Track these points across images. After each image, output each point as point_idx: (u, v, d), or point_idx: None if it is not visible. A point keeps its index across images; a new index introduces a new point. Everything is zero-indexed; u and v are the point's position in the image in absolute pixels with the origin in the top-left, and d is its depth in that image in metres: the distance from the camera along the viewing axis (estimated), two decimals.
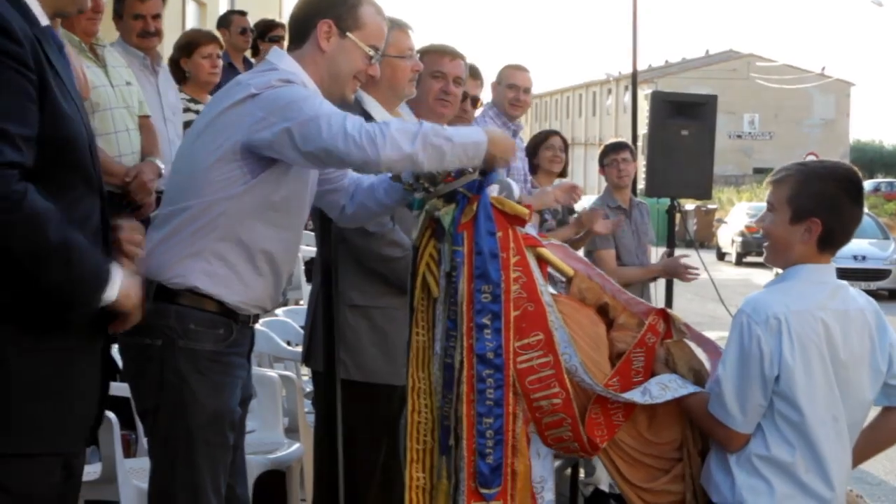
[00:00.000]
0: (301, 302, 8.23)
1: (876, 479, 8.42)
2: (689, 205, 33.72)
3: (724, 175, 47.37)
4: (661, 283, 8.11)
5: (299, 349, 6.53)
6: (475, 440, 3.57)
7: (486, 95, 7.10)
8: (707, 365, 4.00)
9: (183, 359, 3.74)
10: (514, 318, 3.60)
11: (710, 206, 38.16)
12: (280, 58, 3.95)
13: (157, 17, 6.60)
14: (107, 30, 6.50)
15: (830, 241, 3.76)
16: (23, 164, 2.83)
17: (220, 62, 7.36)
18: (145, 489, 4.35)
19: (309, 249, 5.65)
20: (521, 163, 7.29)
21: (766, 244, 3.89)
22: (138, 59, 6.46)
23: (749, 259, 31.51)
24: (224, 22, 8.88)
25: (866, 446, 3.92)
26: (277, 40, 8.83)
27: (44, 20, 3.00)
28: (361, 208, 4.21)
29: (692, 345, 4.04)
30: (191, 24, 13.07)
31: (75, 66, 4.50)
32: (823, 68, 67.87)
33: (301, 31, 3.97)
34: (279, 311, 7.07)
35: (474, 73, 6.35)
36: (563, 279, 3.96)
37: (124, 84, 5.86)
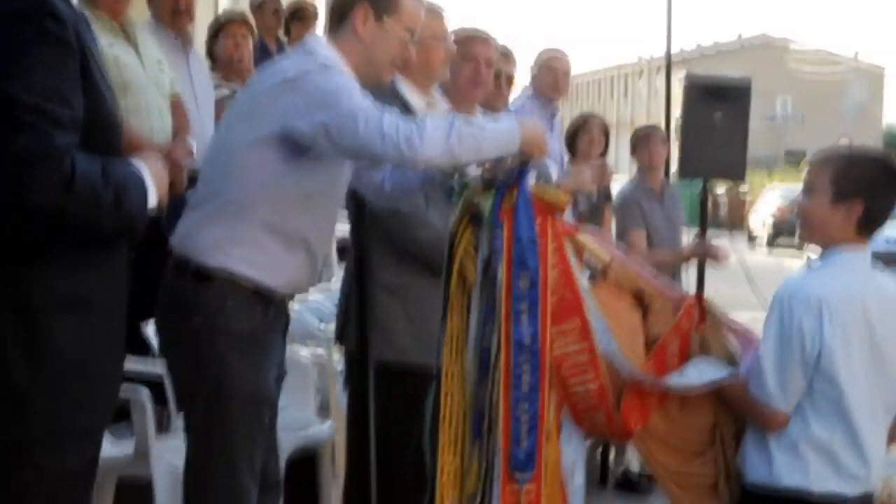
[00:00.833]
0: (333, 281, 8.25)
1: None
2: (720, 188, 33.61)
3: (756, 158, 47.12)
4: (693, 266, 8.10)
5: (332, 329, 6.57)
6: (511, 426, 3.59)
7: (519, 77, 7.11)
8: (739, 350, 4.01)
9: (220, 338, 3.77)
10: (551, 305, 3.62)
11: (742, 190, 38.00)
12: (318, 42, 3.96)
13: None
14: (137, 9, 6.51)
15: (869, 223, 3.79)
16: (70, 147, 2.85)
17: (248, 43, 7.34)
18: (178, 467, 4.38)
19: (342, 228, 5.68)
20: (557, 144, 7.29)
21: (802, 223, 3.90)
22: (169, 38, 6.44)
23: (780, 242, 31.37)
24: (256, 3, 8.91)
25: None
26: (305, 20, 8.84)
27: (74, 2, 3.02)
28: (400, 185, 4.23)
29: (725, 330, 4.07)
30: (224, 5, 13.09)
31: None
32: (857, 53, 67.55)
33: (339, 15, 3.97)
34: (313, 291, 7.08)
35: (507, 54, 6.35)
36: (600, 266, 3.97)
37: (155, 64, 5.86)
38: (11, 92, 2.78)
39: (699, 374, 3.84)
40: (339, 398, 5.82)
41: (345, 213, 4.71)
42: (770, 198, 34.39)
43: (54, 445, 2.95)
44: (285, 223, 3.80)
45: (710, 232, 8.66)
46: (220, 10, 8.01)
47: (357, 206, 4.55)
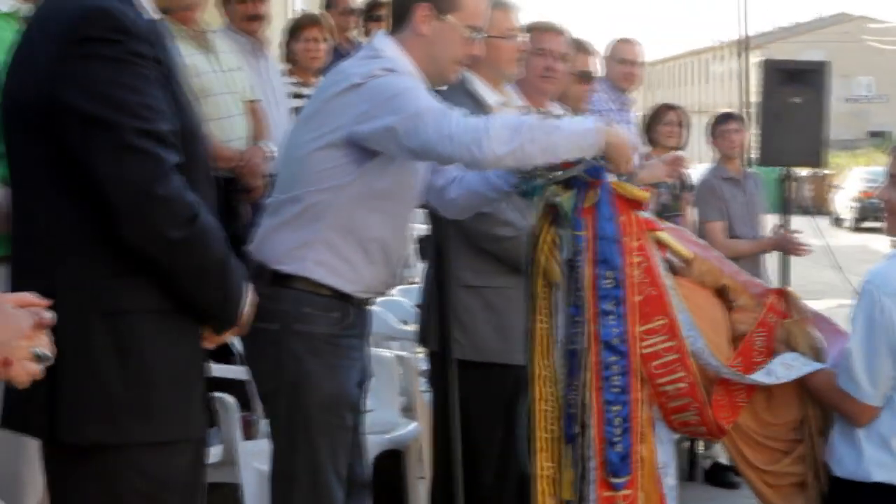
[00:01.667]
0: (415, 280, 8.27)
1: None
2: (804, 171, 33.29)
3: (839, 140, 46.59)
4: (776, 252, 8.06)
5: (414, 328, 6.58)
6: (604, 428, 3.58)
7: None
8: (825, 344, 3.98)
9: (298, 342, 3.79)
10: (637, 304, 3.60)
11: (825, 172, 37.58)
12: (384, 43, 3.93)
13: (262, 0, 6.67)
14: (213, 16, 6.57)
15: None
16: (179, 164, 2.86)
17: (324, 45, 7.37)
18: (265, 471, 4.41)
19: (420, 227, 5.70)
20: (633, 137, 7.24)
21: (886, 215, 3.85)
22: (243, 43, 6.50)
23: (866, 224, 30.97)
24: (330, 3, 8.94)
25: None
26: (379, 19, 8.86)
27: (150, 15, 3.01)
28: (473, 195, 4.13)
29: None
30: (299, 6, 13.16)
31: None
32: None
33: (400, 15, 3.94)
34: (393, 290, 7.10)
35: (583, 48, 6.27)
36: (682, 262, 3.93)
37: (231, 70, 5.92)
38: (113, 118, 2.78)
39: (787, 370, 3.80)
40: (423, 398, 5.84)
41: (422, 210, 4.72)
42: (854, 180, 33.98)
43: (156, 451, 2.96)
44: (359, 226, 3.80)
45: (793, 216, 8.63)
46: (294, 13, 8.02)
47: None
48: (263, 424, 4.95)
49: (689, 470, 7.46)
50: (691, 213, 7.78)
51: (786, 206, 8.67)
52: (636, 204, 3.67)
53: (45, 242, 2.90)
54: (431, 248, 4.83)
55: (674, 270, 3.86)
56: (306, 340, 3.80)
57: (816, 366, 3.85)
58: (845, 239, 26.96)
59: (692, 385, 3.66)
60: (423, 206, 4.66)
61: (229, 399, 4.63)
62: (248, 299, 3.14)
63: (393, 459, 5.53)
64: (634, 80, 7.26)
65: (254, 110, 6.05)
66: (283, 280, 3.78)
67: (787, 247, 7.77)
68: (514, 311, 4.49)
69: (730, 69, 64.04)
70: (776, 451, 3.92)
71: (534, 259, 3.72)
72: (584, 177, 3.62)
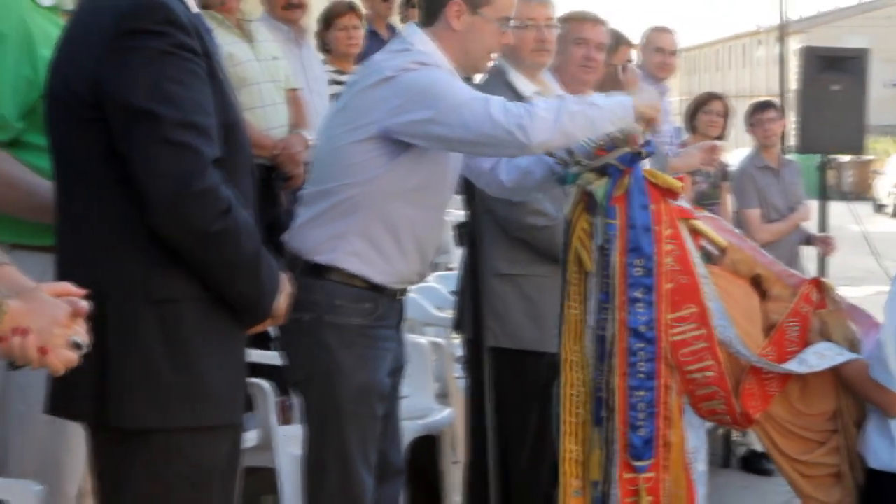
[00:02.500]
0: (451, 266, 8.30)
1: None
2: (845, 157, 33.08)
3: (882, 125, 46.18)
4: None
5: (449, 315, 6.62)
6: (627, 413, 3.62)
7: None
8: (860, 335, 3.99)
9: (330, 333, 3.85)
10: (667, 292, 3.63)
11: (867, 158, 37.31)
12: (415, 35, 3.96)
13: None
14: (252, 4, 6.61)
15: None
16: (217, 158, 2.89)
17: (360, 32, 7.39)
18: (300, 455, 4.49)
19: (458, 213, 5.71)
20: (667, 125, 7.24)
21: None
22: (283, 32, 6.52)
23: None
24: None
25: None
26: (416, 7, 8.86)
27: (195, 8, 3.05)
28: (523, 179, 4.19)
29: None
30: None
31: None
32: None
33: (432, 9, 3.97)
34: (429, 277, 7.14)
35: (624, 41, 6.27)
36: (717, 251, 3.95)
37: (271, 58, 5.95)
38: (156, 110, 2.82)
39: (819, 359, 3.81)
40: (457, 384, 5.89)
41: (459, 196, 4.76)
42: None
43: (201, 436, 3.00)
44: (393, 218, 3.85)
45: (833, 202, 8.65)
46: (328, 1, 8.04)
47: (470, 193, 4.58)
48: (299, 409, 5.03)
49: (725, 456, 7.49)
50: (729, 202, 7.81)
51: (824, 194, 8.69)
52: (670, 192, 3.69)
53: (93, 233, 2.95)
54: (467, 236, 4.87)
55: (708, 259, 3.89)
56: (338, 331, 3.86)
57: (849, 356, 3.86)
58: (886, 225, 26.78)
59: (720, 374, 3.68)
60: (460, 193, 4.70)
61: (266, 384, 4.68)
62: (286, 291, 3.19)
63: (428, 444, 5.57)
64: (669, 69, 7.26)
65: (294, 99, 6.08)
66: (316, 271, 3.84)
67: (816, 244, 7.87)
68: (548, 299, 4.55)
69: (770, 54, 63.60)
70: (810, 441, 3.94)
71: (567, 245, 3.76)
72: (617, 164, 3.65)
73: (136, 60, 2.84)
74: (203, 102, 2.89)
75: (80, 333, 2.38)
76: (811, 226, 8.16)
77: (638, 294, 3.61)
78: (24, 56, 3.37)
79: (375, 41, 8.08)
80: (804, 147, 8.71)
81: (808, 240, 7.85)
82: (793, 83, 10.13)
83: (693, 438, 3.83)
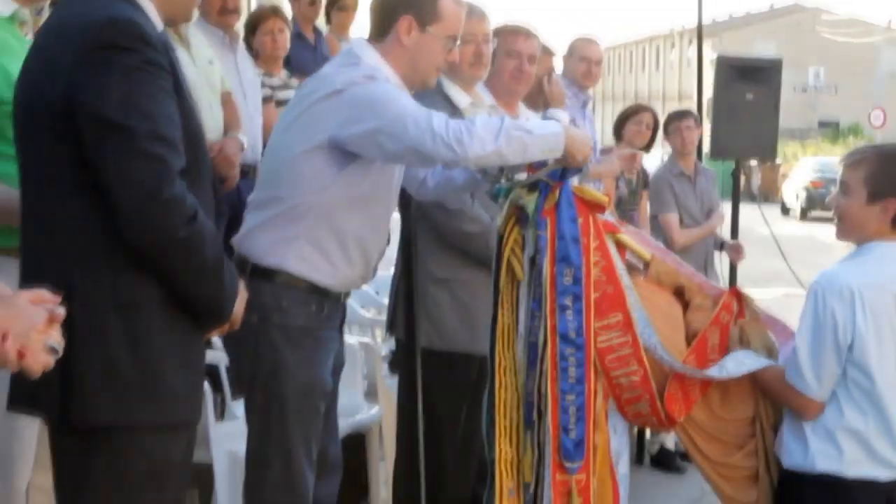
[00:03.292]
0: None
1: None
2: (753, 160, 33.57)
3: (789, 129, 46.82)
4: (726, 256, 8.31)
5: (375, 315, 6.74)
6: (559, 416, 3.74)
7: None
8: (777, 343, 4.16)
9: (277, 333, 3.96)
10: (594, 300, 3.77)
11: (775, 161, 37.92)
12: (363, 50, 4.06)
13: None
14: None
15: None
16: (183, 168, 3.01)
17: (286, 35, 7.44)
18: (235, 451, 4.60)
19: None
20: (589, 132, 7.40)
21: (838, 222, 4.01)
22: (218, 37, 6.59)
23: (814, 214, 31.30)
24: None
25: None
26: (344, 9, 8.94)
27: (160, 26, 3.16)
28: (446, 184, 4.39)
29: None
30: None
31: None
32: (890, 21, 66.79)
33: (382, 24, 4.07)
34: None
35: (547, 50, 6.44)
36: (641, 263, 4.10)
37: (207, 63, 6.00)
38: (128, 123, 2.93)
39: (738, 365, 3.97)
40: (385, 383, 6.00)
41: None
42: (803, 169, 34.33)
43: (161, 434, 3.12)
44: (340, 225, 3.96)
45: (743, 205, 8.85)
46: (253, 4, 8.00)
47: (404, 200, 4.67)
48: (233, 406, 5.13)
49: (638, 454, 7.59)
50: (647, 208, 7.99)
51: (736, 198, 8.90)
52: (597, 206, 3.84)
53: (61, 238, 3.05)
54: (401, 241, 5.00)
55: (633, 270, 4.04)
56: (283, 332, 3.97)
57: (766, 362, 4.01)
58: (793, 228, 27.19)
59: (644, 378, 3.82)
60: None
61: (205, 383, 4.77)
62: (242, 296, 3.33)
63: (356, 441, 5.66)
64: (594, 78, 7.40)
65: (227, 102, 6.14)
66: (265, 273, 3.94)
67: (726, 250, 8.08)
68: (479, 302, 4.69)
69: (683, 57, 64.25)
70: (729, 444, 4.07)
71: (499, 256, 3.89)
72: (546, 180, 3.80)
73: (108, 75, 2.96)
74: (170, 116, 3.01)
75: (56, 338, 2.51)
76: (725, 229, 8.31)
77: (567, 301, 3.74)
78: None
79: (301, 44, 8.17)
80: (717, 153, 8.88)
81: (721, 245, 8.05)
82: (707, 88, 10.32)
83: (616, 442, 3.96)
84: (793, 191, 33.84)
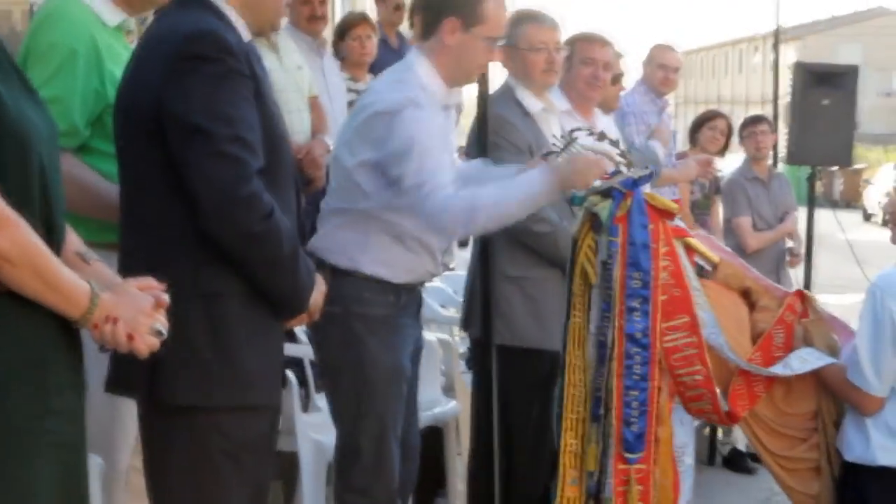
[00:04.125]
0: (452, 267, 8.53)
1: None
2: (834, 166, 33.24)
3: (873, 134, 46.26)
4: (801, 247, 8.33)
5: (453, 312, 6.91)
6: (622, 410, 3.90)
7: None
8: (839, 342, 4.30)
9: (358, 323, 4.21)
10: (661, 303, 3.91)
11: (858, 166, 37.49)
12: (416, 60, 4.26)
13: (323, 1, 6.94)
14: None
15: None
16: (260, 169, 3.23)
17: (373, 41, 7.60)
18: (320, 441, 4.81)
19: None
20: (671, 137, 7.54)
21: (891, 225, 4.16)
22: (306, 42, 6.75)
23: None
24: None
25: None
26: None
27: (246, 37, 3.39)
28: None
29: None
30: (339, 4, 13.27)
31: None
32: None
33: (429, 24, 4.24)
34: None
35: (618, 54, 6.57)
36: (710, 266, 4.28)
37: (296, 68, 6.17)
38: (210, 127, 3.16)
39: (802, 363, 4.12)
40: (462, 378, 6.16)
41: None
42: (886, 175, 33.95)
43: (239, 416, 3.34)
44: (402, 228, 4.21)
45: (822, 210, 8.87)
46: (339, 10, 8.10)
47: None
48: (317, 399, 5.31)
49: (710, 455, 7.69)
50: (720, 212, 8.09)
51: (812, 203, 8.94)
52: (667, 213, 3.99)
53: (150, 233, 3.30)
54: (476, 242, 5.18)
55: (702, 273, 4.21)
56: (365, 322, 4.22)
57: (829, 360, 4.16)
58: (874, 234, 26.80)
59: (707, 377, 3.96)
60: None
61: (290, 375, 4.97)
62: (320, 289, 3.54)
63: (435, 435, 5.81)
64: (671, 85, 7.52)
65: (315, 105, 6.32)
66: (342, 272, 4.19)
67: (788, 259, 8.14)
68: (549, 299, 4.90)
69: (766, 61, 63.59)
70: (793, 438, 4.23)
71: (574, 261, 4.04)
72: (619, 188, 3.95)
73: (193, 83, 3.20)
74: (249, 120, 3.24)
75: (162, 321, 2.74)
76: (800, 233, 8.35)
77: (635, 304, 3.89)
78: (93, 70, 3.70)
79: (386, 49, 8.32)
80: (794, 158, 8.92)
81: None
82: (783, 90, 10.34)
83: (682, 434, 4.14)
84: (875, 197, 33.49)
